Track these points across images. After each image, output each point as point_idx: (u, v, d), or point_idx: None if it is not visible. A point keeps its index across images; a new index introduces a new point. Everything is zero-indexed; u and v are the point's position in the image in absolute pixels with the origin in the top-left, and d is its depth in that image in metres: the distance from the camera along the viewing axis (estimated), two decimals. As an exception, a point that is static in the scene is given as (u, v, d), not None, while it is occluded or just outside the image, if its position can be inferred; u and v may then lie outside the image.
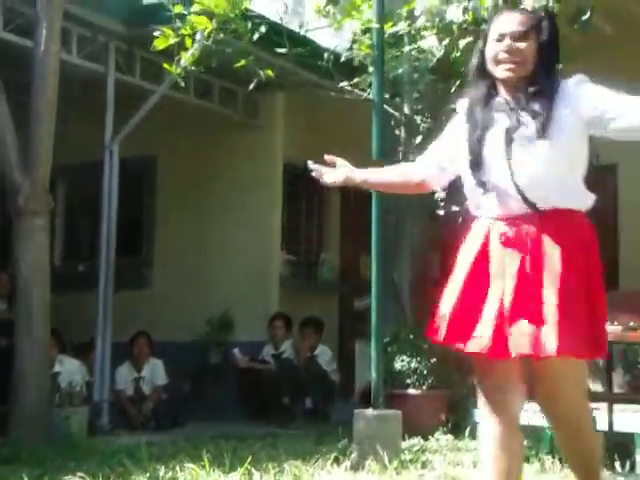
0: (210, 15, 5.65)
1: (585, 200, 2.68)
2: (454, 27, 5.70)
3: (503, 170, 2.61)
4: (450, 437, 5.98)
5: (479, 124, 2.67)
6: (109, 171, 7.42)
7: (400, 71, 6.45)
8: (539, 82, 2.61)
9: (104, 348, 7.21)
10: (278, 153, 8.70)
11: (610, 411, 4.33)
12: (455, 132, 2.79)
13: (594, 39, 6.43)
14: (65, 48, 6.82)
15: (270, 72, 5.86)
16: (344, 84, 6.35)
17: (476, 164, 2.67)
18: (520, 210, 2.61)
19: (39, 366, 6.03)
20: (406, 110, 6.89)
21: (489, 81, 2.70)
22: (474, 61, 2.74)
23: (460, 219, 2.88)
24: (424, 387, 6.53)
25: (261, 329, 8.21)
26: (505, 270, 2.59)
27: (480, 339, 2.56)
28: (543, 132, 2.56)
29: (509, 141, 2.60)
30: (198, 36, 5.83)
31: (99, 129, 7.43)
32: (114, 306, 7.31)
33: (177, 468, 4.33)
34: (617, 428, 4.34)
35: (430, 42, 5.93)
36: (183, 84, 6.17)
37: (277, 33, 6.04)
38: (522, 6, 4.82)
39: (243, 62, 5.86)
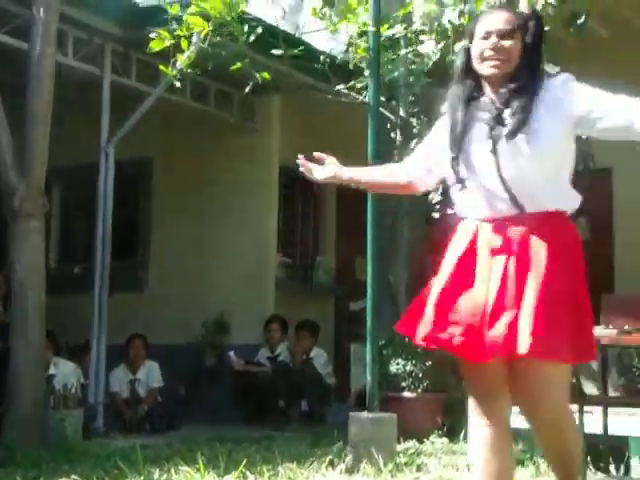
0: (206, 17, 5.65)
1: (572, 201, 2.67)
2: (449, 30, 5.71)
3: (490, 170, 2.61)
4: (445, 440, 5.97)
5: (460, 122, 2.67)
6: (105, 173, 7.41)
7: (396, 74, 6.45)
8: (521, 79, 2.61)
9: (99, 351, 7.19)
10: (274, 156, 8.71)
11: (605, 414, 4.34)
12: (440, 133, 2.79)
13: (590, 43, 6.45)
14: (61, 50, 6.82)
15: (266, 75, 5.87)
16: (340, 87, 6.35)
17: (456, 161, 2.67)
18: (508, 211, 2.61)
19: (34, 368, 6.01)
20: (402, 113, 6.89)
21: (474, 80, 2.70)
22: (459, 59, 2.75)
23: (455, 221, 2.89)
24: (419, 390, 6.53)
25: (257, 332, 8.20)
26: (491, 272, 2.58)
27: (455, 338, 2.54)
28: (520, 129, 2.56)
29: (495, 141, 2.59)
30: (194, 38, 5.83)
31: (95, 131, 7.43)
32: (109, 309, 7.29)
33: (172, 471, 4.32)
34: (612, 431, 4.34)
35: (428, 47, 5.94)
36: (179, 85, 6.16)
37: (273, 36, 6.04)
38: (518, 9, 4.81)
39: (239, 65, 5.87)
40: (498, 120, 2.61)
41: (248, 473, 4.20)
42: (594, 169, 6.65)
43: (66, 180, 9.55)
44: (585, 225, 7.56)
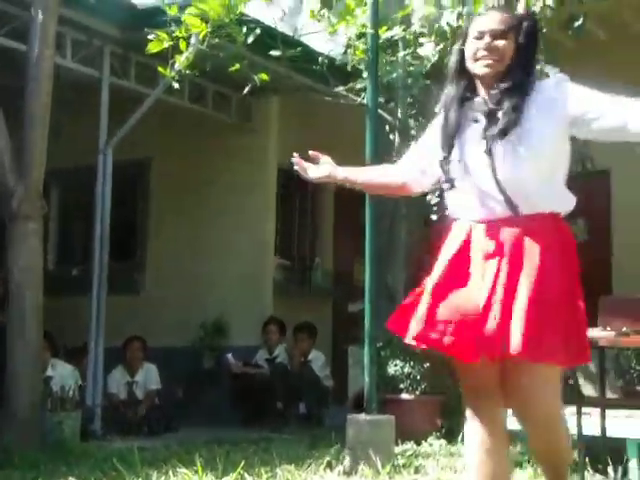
0: (205, 19, 5.65)
1: (567, 203, 2.66)
2: (448, 33, 5.72)
3: (484, 171, 2.60)
4: (443, 442, 5.97)
5: (453, 122, 2.67)
6: (103, 175, 7.41)
7: (394, 76, 6.46)
8: (513, 79, 2.61)
9: (97, 353, 7.18)
10: (272, 157, 8.71)
11: (603, 416, 4.33)
12: (434, 134, 2.79)
13: (587, 45, 6.46)
14: (59, 52, 6.81)
15: (265, 76, 5.87)
16: (340, 89, 6.35)
17: (446, 161, 2.67)
18: (502, 213, 2.60)
19: (32, 369, 6.01)
20: (400, 115, 6.90)
21: (467, 80, 2.70)
22: (453, 60, 2.75)
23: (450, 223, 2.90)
24: (417, 392, 6.53)
25: (255, 334, 8.20)
26: (484, 273, 2.57)
27: (445, 338, 2.53)
28: (511, 129, 2.55)
29: (488, 141, 2.58)
30: (193, 40, 5.83)
31: (93, 133, 7.42)
32: (107, 310, 7.29)
33: (170, 473, 4.32)
34: (610, 433, 4.34)
35: (427, 50, 5.95)
36: (177, 86, 6.16)
37: (272, 37, 6.05)
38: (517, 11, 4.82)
39: (237, 66, 5.87)
40: (491, 120, 2.60)
41: (246, 475, 4.20)
42: (592, 171, 6.66)
43: (64, 182, 9.54)
44: (583, 227, 7.58)
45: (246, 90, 6.24)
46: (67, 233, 9.90)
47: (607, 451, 4.32)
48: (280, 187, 8.85)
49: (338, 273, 9.41)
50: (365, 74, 5.81)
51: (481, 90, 2.68)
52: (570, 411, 4.36)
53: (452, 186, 2.66)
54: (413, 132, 6.69)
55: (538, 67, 4.92)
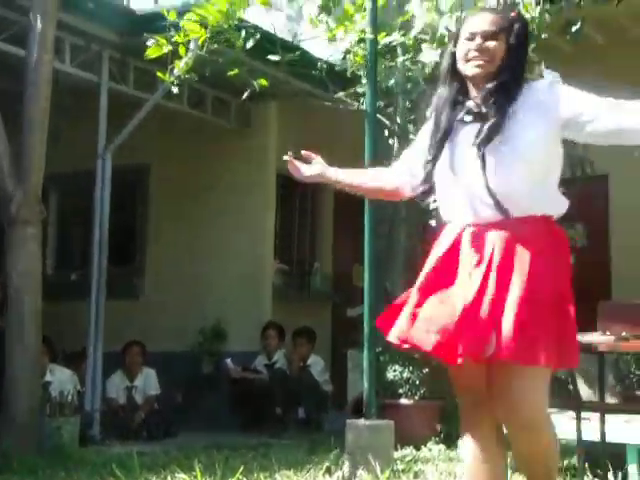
0: (204, 24, 5.66)
1: (559, 206, 2.64)
2: (446, 37, 5.72)
3: (474, 175, 2.59)
4: (442, 447, 5.97)
5: (444, 124, 2.67)
6: (102, 180, 7.41)
7: (393, 81, 6.46)
8: (501, 79, 2.60)
9: (96, 357, 7.18)
10: (271, 163, 8.70)
11: (602, 421, 4.33)
12: (425, 137, 2.79)
13: (586, 49, 6.47)
14: (58, 57, 6.82)
15: (264, 81, 5.87)
16: (340, 94, 6.35)
17: (431, 163, 2.67)
18: (493, 217, 2.58)
19: (30, 374, 6.00)
20: (399, 120, 6.90)
21: (459, 83, 2.70)
22: (445, 62, 2.75)
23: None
24: (416, 397, 6.52)
25: (254, 339, 8.19)
26: (472, 275, 2.55)
27: (429, 339, 2.51)
28: (497, 131, 2.55)
29: (479, 145, 2.57)
30: (192, 45, 5.83)
31: (92, 138, 7.42)
32: (106, 315, 7.28)
33: (169, 478, 4.32)
34: (609, 439, 4.33)
35: (431, 56, 5.94)
36: (176, 91, 6.17)
37: (271, 42, 6.05)
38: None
39: (236, 70, 5.87)
40: (481, 123, 2.59)
41: (245, 480, 4.19)
42: (591, 175, 6.67)
43: (63, 187, 9.54)
44: (582, 232, 7.58)
45: (245, 95, 6.24)
46: (66, 238, 9.90)
47: (607, 456, 4.31)
48: (279, 192, 8.85)
49: (337, 278, 9.41)
50: (364, 80, 5.82)
51: (473, 92, 2.68)
52: (569, 416, 4.36)
53: (429, 188, 2.68)
54: (412, 137, 6.69)
55: (538, 71, 4.94)
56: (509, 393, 2.51)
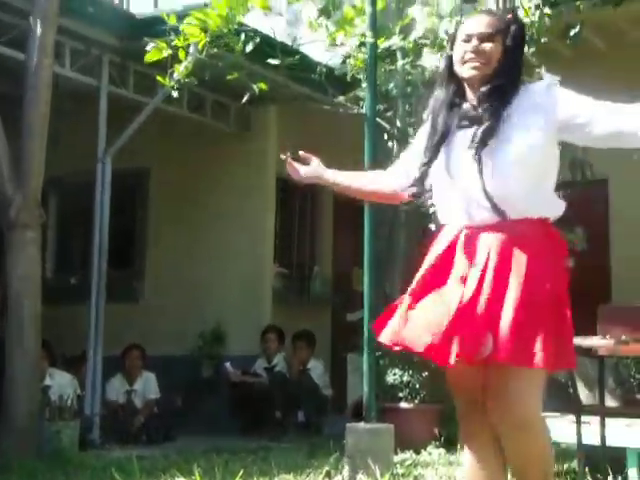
0: (204, 28, 5.67)
1: (556, 208, 2.64)
2: (446, 41, 5.73)
3: (471, 177, 2.58)
4: (442, 451, 5.96)
5: (441, 127, 2.67)
6: (101, 183, 7.41)
7: (393, 85, 6.47)
8: (497, 81, 2.60)
9: (95, 361, 7.17)
10: (271, 166, 8.71)
11: (602, 425, 4.32)
12: (422, 140, 2.79)
13: (585, 52, 6.48)
14: (58, 61, 6.83)
15: (263, 85, 5.88)
16: (340, 99, 6.36)
17: (427, 166, 2.67)
18: (489, 219, 2.57)
19: (30, 377, 6.00)
20: (399, 124, 6.90)
21: (456, 85, 2.70)
22: (442, 64, 2.75)
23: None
24: (416, 401, 6.52)
25: (253, 342, 8.19)
26: (468, 278, 2.54)
27: (421, 340, 2.51)
28: (492, 133, 2.54)
29: (476, 148, 2.56)
30: (191, 49, 5.84)
31: (92, 142, 7.43)
32: (106, 319, 7.28)
33: (168, 482, 4.31)
34: (609, 442, 4.33)
35: (432, 61, 5.95)
36: (176, 95, 6.18)
37: (270, 46, 6.06)
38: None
39: (235, 74, 5.88)
40: (477, 126, 2.59)
41: (245, 484, 4.18)
42: (591, 179, 6.67)
43: (63, 190, 9.54)
44: (582, 235, 7.58)
45: (245, 99, 6.24)
46: (65, 241, 9.89)
47: (607, 460, 4.31)
48: (279, 195, 8.85)
49: (337, 281, 9.40)
50: (364, 83, 5.82)
51: (469, 94, 2.68)
52: (569, 420, 4.36)
53: (422, 190, 2.69)
54: (412, 141, 6.69)
55: (537, 75, 4.94)
56: (505, 394, 2.50)
